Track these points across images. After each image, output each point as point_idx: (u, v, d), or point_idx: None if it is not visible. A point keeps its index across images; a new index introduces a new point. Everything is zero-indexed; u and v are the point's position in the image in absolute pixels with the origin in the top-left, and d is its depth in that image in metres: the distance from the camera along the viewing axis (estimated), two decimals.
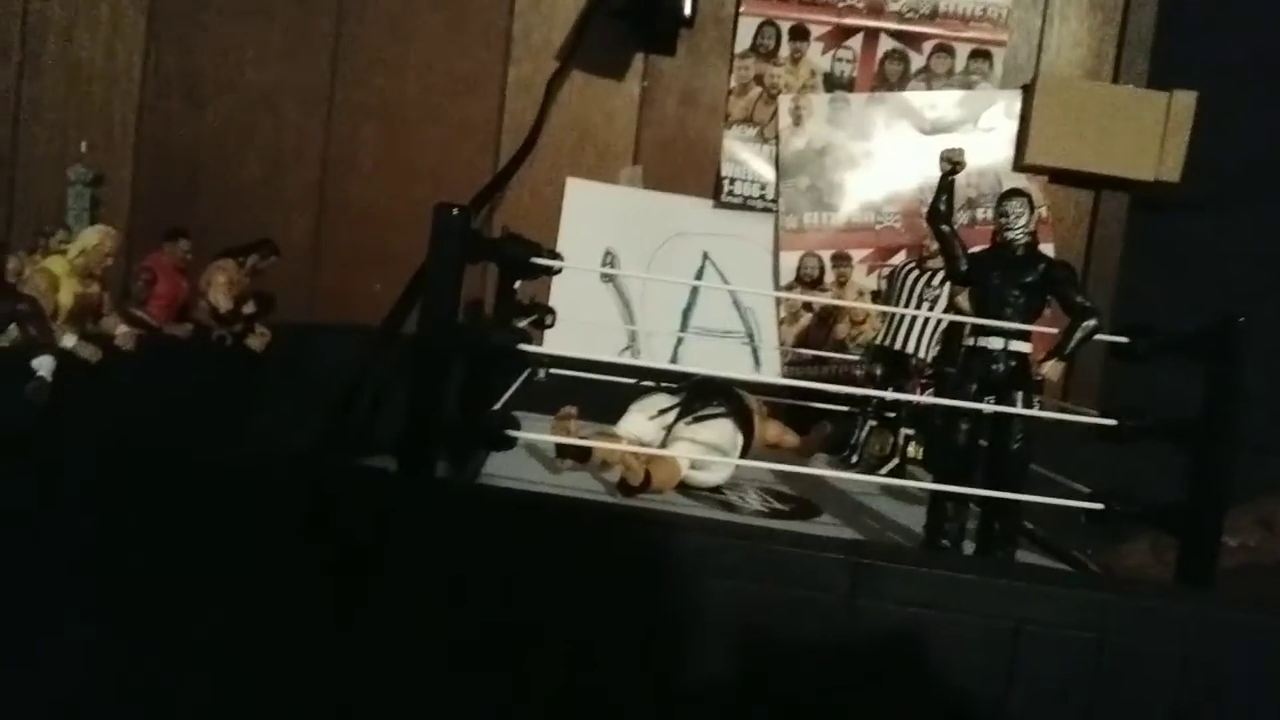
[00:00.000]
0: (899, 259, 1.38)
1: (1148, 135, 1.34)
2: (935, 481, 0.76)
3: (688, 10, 1.32)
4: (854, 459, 1.05)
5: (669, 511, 0.69)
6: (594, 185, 1.39)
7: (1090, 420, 0.81)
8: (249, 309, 1.16)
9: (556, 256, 0.95)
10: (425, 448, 0.71)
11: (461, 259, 0.76)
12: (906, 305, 1.04)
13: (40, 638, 0.66)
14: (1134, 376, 0.91)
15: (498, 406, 0.91)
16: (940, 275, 1.03)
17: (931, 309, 1.02)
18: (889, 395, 1.02)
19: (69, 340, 0.90)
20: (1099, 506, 0.76)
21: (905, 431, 1.03)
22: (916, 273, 1.05)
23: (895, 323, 1.05)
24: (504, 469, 0.87)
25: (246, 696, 0.65)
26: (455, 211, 0.75)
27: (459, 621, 0.64)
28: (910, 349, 1.03)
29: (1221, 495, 0.75)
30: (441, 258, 0.74)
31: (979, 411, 0.73)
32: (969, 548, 0.77)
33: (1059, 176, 1.39)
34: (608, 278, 1.38)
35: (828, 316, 1.39)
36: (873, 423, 1.04)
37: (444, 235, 0.74)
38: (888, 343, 1.05)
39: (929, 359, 1.03)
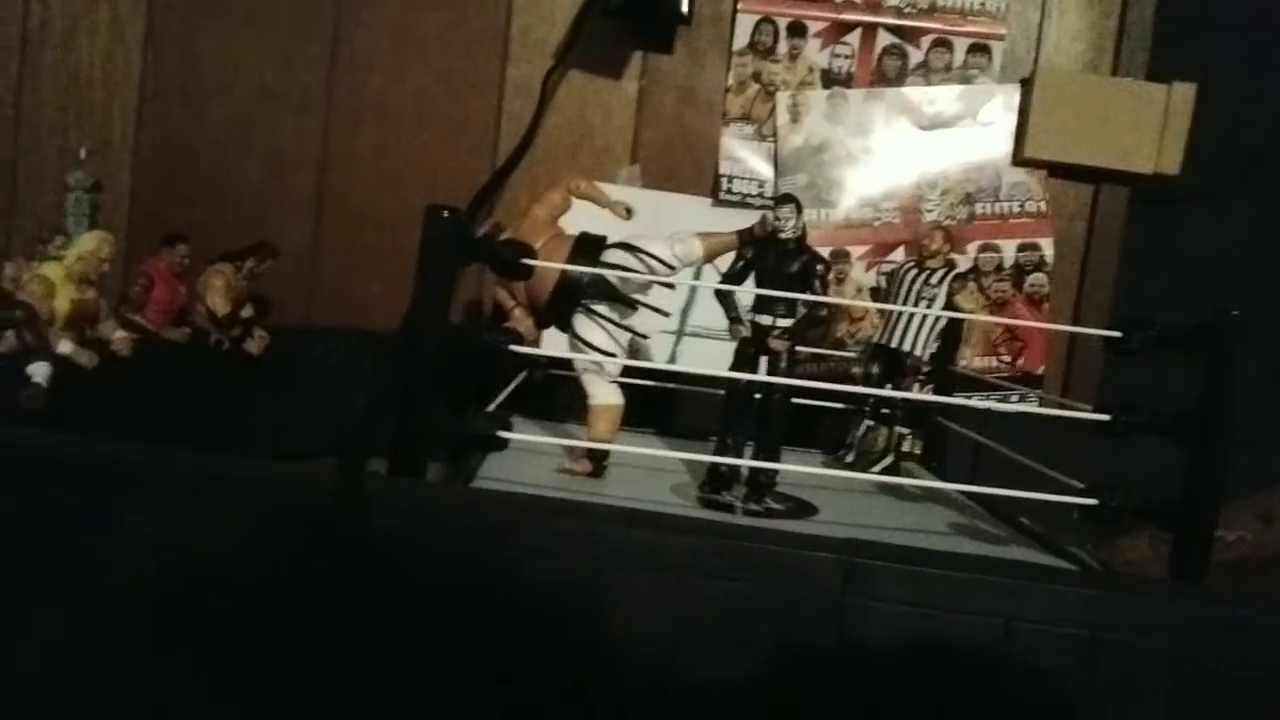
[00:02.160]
0: (898, 256, 1.38)
1: (1147, 128, 1.33)
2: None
3: (685, 8, 1.32)
4: (849, 457, 1.05)
5: (660, 512, 0.69)
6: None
7: (1085, 415, 0.80)
8: (247, 313, 1.16)
9: None
10: (416, 450, 0.71)
11: (453, 261, 0.76)
12: (904, 304, 1.03)
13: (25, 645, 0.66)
14: (1135, 372, 0.91)
15: (491, 407, 0.91)
16: (939, 274, 1.03)
17: (930, 308, 1.02)
18: (883, 393, 1.02)
19: (65, 346, 0.91)
20: (1093, 501, 0.76)
21: (900, 430, 1.02)
22: (915, 271, 1.05)
23: (893, 321, 1.05)
24: (500, 471, 0.87)
25: (242, 703, 0.66)
26: (446, 213, 0.75)
27: (448, 625, 0.64)
28: (908, 347, 1.03)
29: (1216, 490, 0.75)
30: (433, 260, 0.75)
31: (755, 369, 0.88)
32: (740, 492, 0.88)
33: (1058, 170, 1.39)
34: None
35: (825, 314, 1.38)
36: (869, 421, 1.04)
37: (435, 237, 0.75)
38: (885, 341, 1.04)
39: (926, 357, 1.03)
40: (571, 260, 0.89)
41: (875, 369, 1.05)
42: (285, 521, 0.66)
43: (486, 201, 1.37)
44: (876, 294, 1.38)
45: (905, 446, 1.05)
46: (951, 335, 1.10)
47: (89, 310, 0.97)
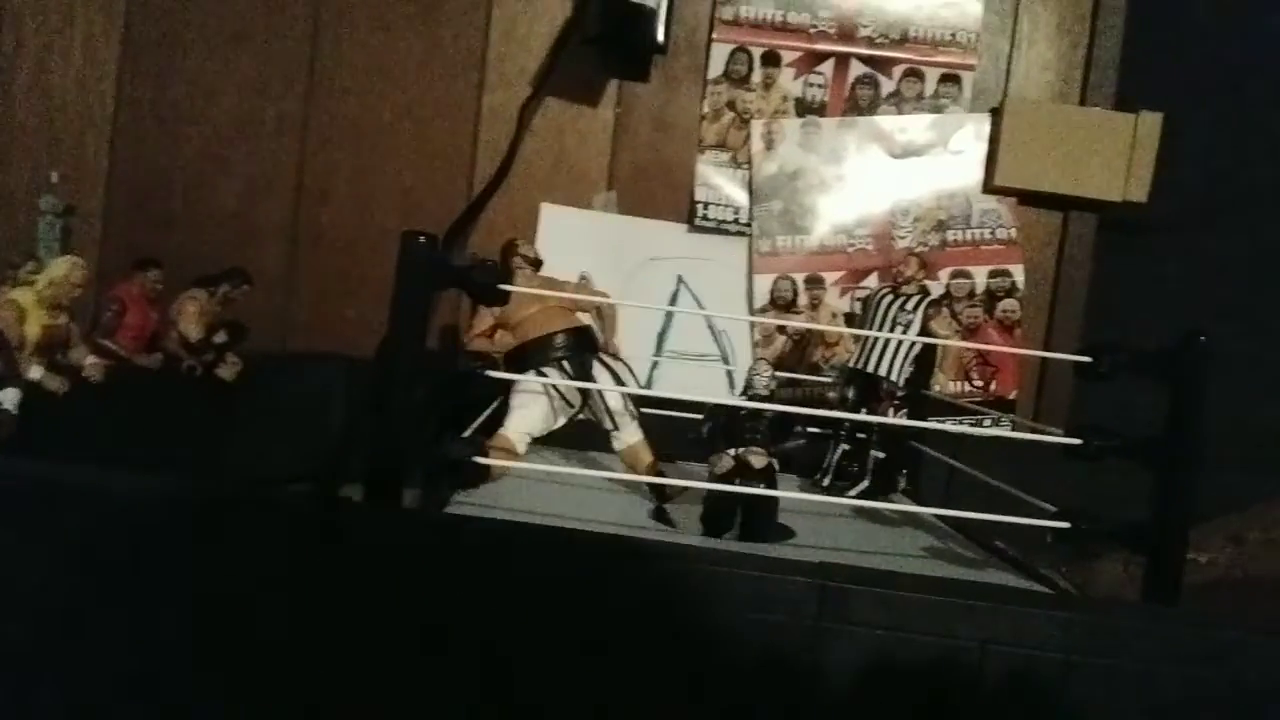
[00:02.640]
0: (872, 281, 1.39)
1: (1115, 156, 1.35)
2: None
3: (660, 37, 1.33)
4: (825, 481, 1.05)
5: (639, 538, 0.69)
6: (568, 210, 1.39)
7: (1057, 440, 0.81)
8: (220, 338, 1.15)
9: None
10: (391, 475, 0.71)
11: (429, 287, 0.76)
12: (880, 330, 1.04)
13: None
14: (1106, 396, 0.91)
15: (467, 433, 0.91)
16: (915, 300, 1.04)
17: (905, 333, 1.03)
18: (858, 417, 1.02)
19: (35, 372, 0.90)
20: (1065, 525, 0.76)
21: (875, 454, 1.03)
22: (890, 297, 1.06)
23: (869, 346, 1.06)
24: (480, 496, 0.87)
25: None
26: (422, 239, 0.75)
27: (423, 647, 0.64)
28: (883, 372, 1.03)
29: (1186, 513, 0.75)
30: (409, 286, 0.75)
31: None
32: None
33: (1028, 198, 1.41)
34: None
35: (801, 339, 1.39)
36: (845, 445, 1.04)
37: (411, 263, 0.75)
38: (861, 365, 1.05)
39: (901, 382, 1.03)
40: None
41: (851, 393, 1.05)
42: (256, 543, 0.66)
43: (464, 228, 1.37)
44: (851, 319, 1.39)
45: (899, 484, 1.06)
46: (926, 361, 1.11)
47: (60, 336, 0.97)
